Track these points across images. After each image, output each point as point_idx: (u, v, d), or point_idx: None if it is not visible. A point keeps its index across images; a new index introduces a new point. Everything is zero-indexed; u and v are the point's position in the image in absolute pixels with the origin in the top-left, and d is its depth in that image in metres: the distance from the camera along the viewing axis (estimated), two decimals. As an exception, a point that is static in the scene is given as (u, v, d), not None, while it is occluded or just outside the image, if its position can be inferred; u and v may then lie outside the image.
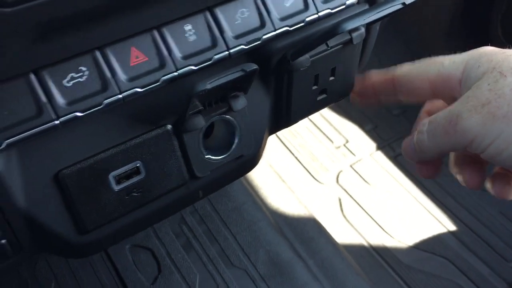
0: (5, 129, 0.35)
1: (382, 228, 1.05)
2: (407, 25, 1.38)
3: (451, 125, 0.37)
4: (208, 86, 0.39)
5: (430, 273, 1.02)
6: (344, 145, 1.20)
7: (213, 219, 0.83)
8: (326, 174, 1.09)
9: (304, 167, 1.09)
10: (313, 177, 1.08)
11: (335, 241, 0.92)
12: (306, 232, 0.89)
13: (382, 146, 1.22)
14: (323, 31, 0.42)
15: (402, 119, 1.30)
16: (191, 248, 0.80)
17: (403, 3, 0.39)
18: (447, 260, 1.04)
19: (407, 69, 0.44)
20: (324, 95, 0.51)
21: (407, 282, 0.97)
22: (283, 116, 0.50)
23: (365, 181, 1.12)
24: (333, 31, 0.39)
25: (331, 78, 0.50)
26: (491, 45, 0.42)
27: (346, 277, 0.85)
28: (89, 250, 0.44)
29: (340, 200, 1.06)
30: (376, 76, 0.45)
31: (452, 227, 1.08)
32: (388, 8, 0.38)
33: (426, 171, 0.46)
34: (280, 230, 0.86)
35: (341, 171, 1.13)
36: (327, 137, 1.16)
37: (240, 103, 0.45)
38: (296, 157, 1.10)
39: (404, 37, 1.43)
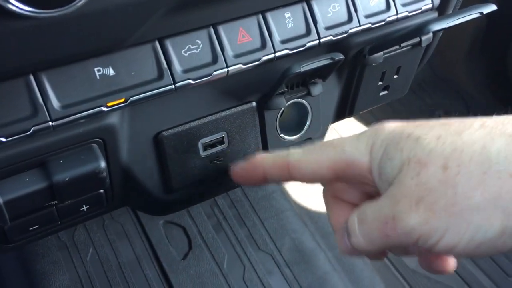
0: (131, 88, 0.40)
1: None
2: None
3: (388, 228, 0.35)
4: (302, 70, 0.44)
5: (434, 279, 1.08)
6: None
7: (243, 204, 0.88)
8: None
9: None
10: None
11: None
12: (327, 226, 0.94)
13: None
14: (408, 31, 0.48)
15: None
16: (221, 229, 0.85)
17: (481, 12, 0.44)
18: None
19: (302, 155, 0.40)
20: (386, 92, 0.57)
21: (412, 285, 1.03)
22: (348, 106, 0.56)
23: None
24: (419, 32, 0.45)
25: (395, 76, 0.56)
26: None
27: (362, 272, 0.91)
28: (172, 207, 0.49)
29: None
30: (267, 160, 0.40)
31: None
32: (468, 15, 0.44)
33: (374, 257, 0.43)
34: (304, 221, 0.91)
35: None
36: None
37: (318, 89, 0.50)
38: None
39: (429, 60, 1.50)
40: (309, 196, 0.97)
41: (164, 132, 0.46)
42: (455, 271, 1.09)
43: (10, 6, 0.30)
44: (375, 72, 0.53)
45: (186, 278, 0.79)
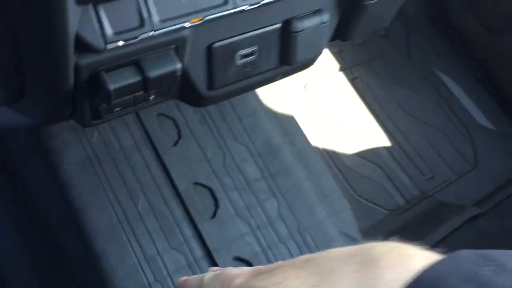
0: (206, 9, 0.55)
1: (335, 135, 1.34)
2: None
3: None
4: None
5: (364, 175, 1.35)
6: (315, 61, 1.46)
7: (224, 103, 1.05)
8: (296, 83, 1.35)
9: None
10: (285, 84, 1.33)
11: (307, 137, 1.19)
12: (289, 126, 1.15)
13: (343, 68, 1.50)
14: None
15: (362, 48, 1.57)
16: (205, 122, 1.02)
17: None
18: (378, 167, 1.37)
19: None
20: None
21: (347, 179, 1.28)
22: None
23: (326, 94, 1.39)
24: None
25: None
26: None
27: (316, 164, 1.14)
28: (213, 100, 0.65)
29: (306, 106, 1.33)
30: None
31: (386, 143, 1.40)
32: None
33: None
34: (272, 121, 1.11)
35: (307, 84, 1.39)
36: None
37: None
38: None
39: None
40: (277, 101, 1.16)
41: (215, 44, 0.61)
42: (381, 168, 1.36)
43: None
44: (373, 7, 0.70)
45: (176, 160, 0.97)
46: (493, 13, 1.50)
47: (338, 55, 1.52)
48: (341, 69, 1.49)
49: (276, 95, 1.22)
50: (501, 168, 1.43)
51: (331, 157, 1.33)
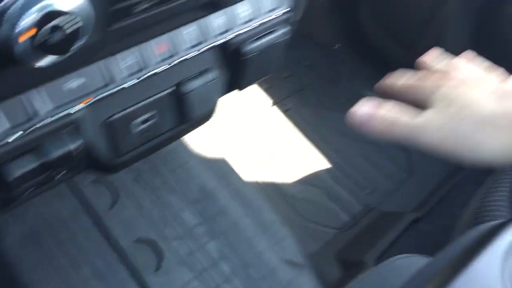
0: (90, 93, 0.62)
1: (275, 167, 1.41)
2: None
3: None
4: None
5: (309, 199, 1.42)
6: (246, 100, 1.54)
7: (154, 159, 1.11)
8: (233, 123, 1.43)
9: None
10: (224, 123, 1.41)
11: (243, 176, 1.26)
12: (223, 169, 1.22)
13: (276, 102, 1.59)
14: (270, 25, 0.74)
15: (290, 81, 1.67)
16: (140, 180, 1.08)
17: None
18: (321, 189, 1.43)
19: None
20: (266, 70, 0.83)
21: (293, 206, 1.35)
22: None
23: (263, 129, 1.47)
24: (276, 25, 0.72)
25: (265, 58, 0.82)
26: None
27: (253, 200, 1.20)
28: (118, 167, 0.72)
29: (244, 144, 1.41)
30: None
31: (326, 165, 1.48)
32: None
33: None
34: (204, 167, 1.17)
35: (244, 121, 1.47)
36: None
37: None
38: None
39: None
40: (206, 146, 1.24)
41: (111, 118, 0.68)
42: (324, 191, 1.42)
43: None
44: (254, 60, 0.79)
45: (116, 222, 1.02)
46: (403, 32, 1.62)
47: (269, 90, 1.61)
48: (274, 103, 1.57)
49: (209, 140, 1.29)
50: (434, 171, 1.52)
51: (273, 188, 1.39)
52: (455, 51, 0.51)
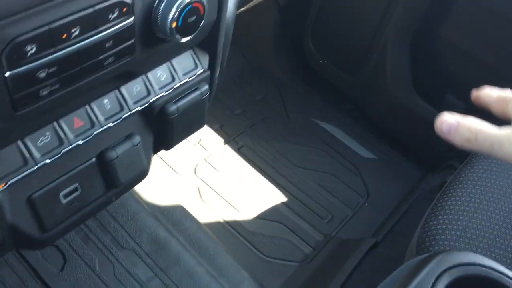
0: (6, 176, 0.63)
1: (232, 206, 1.43)
2: (243, 39, 1.77)
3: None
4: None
5: (268, 235, 1.43)
6: (198, 142, 1.56)
7: (104, 214, 1.12)
8: (186, 167, 1.44)
9: (167, 164, 1.43)
10: (175, 171, 1.42)
11: (198, 221, 1.27)
12: (175, 216, 1.23)
13: (228, 141, 1.61)
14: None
15: (243, 117, 1.69)
16: (88, 240, 1.08)
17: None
18: (280, 223, 1.45)
19: None
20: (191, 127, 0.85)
21: (253, 244, 1.36)
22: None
23: (217, 170, 1.49)
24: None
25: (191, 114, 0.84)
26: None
27: (208, 246, 1.21)
28: (48, 241, 0.72)
29: (198, 188, 1.42)
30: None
31: (284, 199, 1.50)
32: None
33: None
34: (156, 217, 1.18)
35: (197, 164, 1.48)
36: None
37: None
38: (160, 157, 1.43)
39: (240, 48, 1.82)
40: (156, 194, 1.24)
41: (33, 195, 0.68)
42: (284, 224, 1.44)
43: None
44: (179, 119, 0.81)
45: (66, 285, 1.02)
46: (346, 61, 1.66)
47: (220, 130, 1.63)
48: (226, 142, 1.59)
49: (160, 188, 1.30)
50: (389, 194, 1.55)
51: (230, 228, 1.40)
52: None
